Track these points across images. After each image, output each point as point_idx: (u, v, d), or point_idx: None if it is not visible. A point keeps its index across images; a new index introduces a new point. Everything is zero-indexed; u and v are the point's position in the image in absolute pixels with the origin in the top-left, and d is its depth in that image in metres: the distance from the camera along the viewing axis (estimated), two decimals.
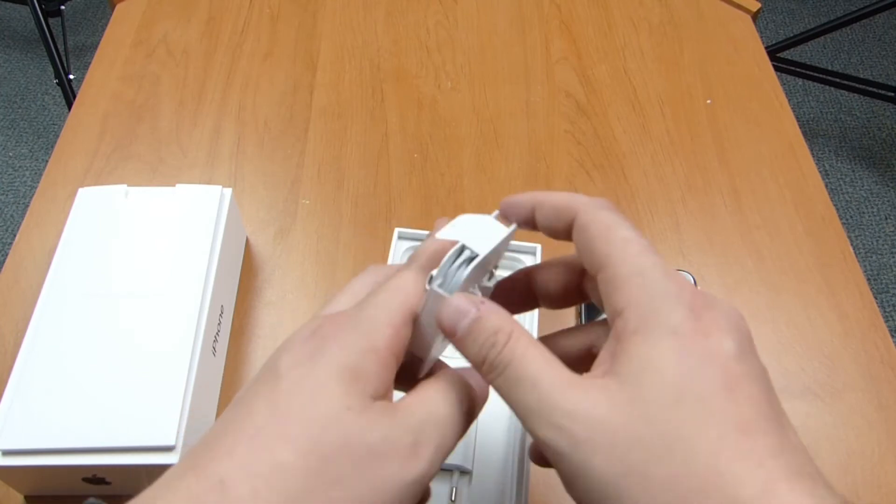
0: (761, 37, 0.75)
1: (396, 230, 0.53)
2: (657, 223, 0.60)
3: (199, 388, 0.43)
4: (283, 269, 0.57)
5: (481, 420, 0.46)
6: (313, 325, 0.27)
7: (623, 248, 0.26)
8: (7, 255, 0.57)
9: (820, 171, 0.70)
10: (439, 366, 0.32)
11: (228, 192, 0.52)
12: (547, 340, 0.32)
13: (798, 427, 0.24)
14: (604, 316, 0.28)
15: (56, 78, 1.47)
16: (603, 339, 0.29)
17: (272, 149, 0.64)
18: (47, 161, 0.63)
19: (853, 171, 1.70)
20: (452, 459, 0.43)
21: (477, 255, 0.29)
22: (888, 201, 1.64)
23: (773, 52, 1.62)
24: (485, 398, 0.29)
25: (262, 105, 0.68)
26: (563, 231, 0.29)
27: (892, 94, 1.55)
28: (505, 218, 0.31)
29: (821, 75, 1.63)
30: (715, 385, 0.23)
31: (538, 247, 0.52)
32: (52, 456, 0.39)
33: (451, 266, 0.29)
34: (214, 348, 0.47)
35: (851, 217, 1.60)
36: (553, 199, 0.29)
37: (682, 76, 0.71)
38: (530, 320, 0.49)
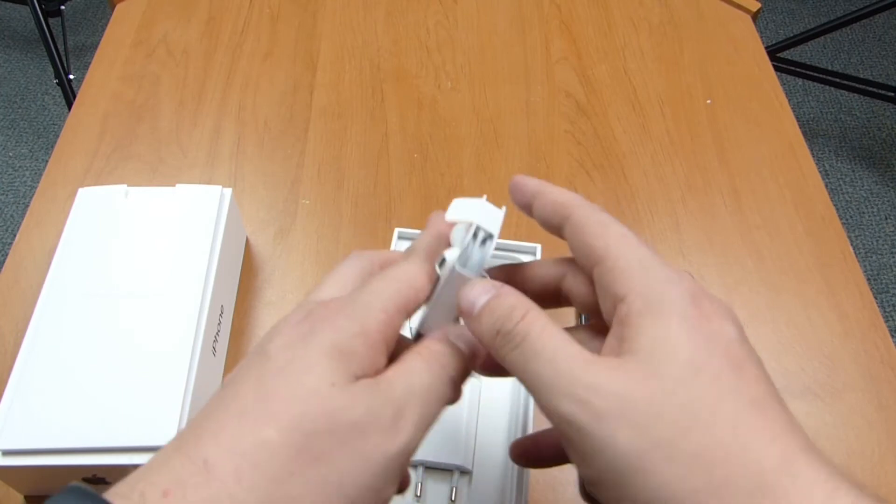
0: (761, 37, 0.75)
1: (396, 230, 0.53)
2: (657, 223, 0.60)
3: (199, 388, 0.43)
4: (283, 269, 0.57)
5: (481, 420, 0.46)
6: (304, 309, 0.28)
7: (620, 242, 0.27)
8: (7, 255, 0.57)
9: (820, 171, 0.70)
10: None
11: (228, 192, 0.52)
12: (514, 271, 0.33)
13: None
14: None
15: (56, 78, 1.47)
16: (570, 275, 0.30)
17: (272, 149, 0.64)
18: (47, 161, 0.63)
19: (853, 171, 1.70)
20: (452, 459, 0.43)
21: (492, 235, 0.29)
22: (888, 201, 1.64)
23: (773, 52, 1.62)
24: (473, 361, 0.29)
25: (262, 105, 0.68)
26: (555, 227, 0.30)
27: (892, 94, 1.55)
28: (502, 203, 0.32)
29: (821, 75, 1.63)
30: (725, 363, 0.24)
31: (538, 246, 0.52)
32: (52, 456, 0.39)
33: (472, 246, 0.29)
34: (214, 348, 0.47)
35: (851, 217, 1.60)
36: (553, 195, 0.30)
37: (682, 76, 0.71)
38: None
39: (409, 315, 0.28)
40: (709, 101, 0.69)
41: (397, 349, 0.28)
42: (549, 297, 0.32)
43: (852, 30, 1.96)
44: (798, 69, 1.63)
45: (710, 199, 0.62)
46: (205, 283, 0.46)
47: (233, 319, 0.53)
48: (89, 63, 0.71)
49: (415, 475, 0.43)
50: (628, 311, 0.26)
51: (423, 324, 0.30)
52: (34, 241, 0.57)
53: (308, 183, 0.62)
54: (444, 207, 0.30)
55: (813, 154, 0.64)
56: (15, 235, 0.58)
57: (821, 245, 0.58)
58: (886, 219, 1.60)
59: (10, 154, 1.68)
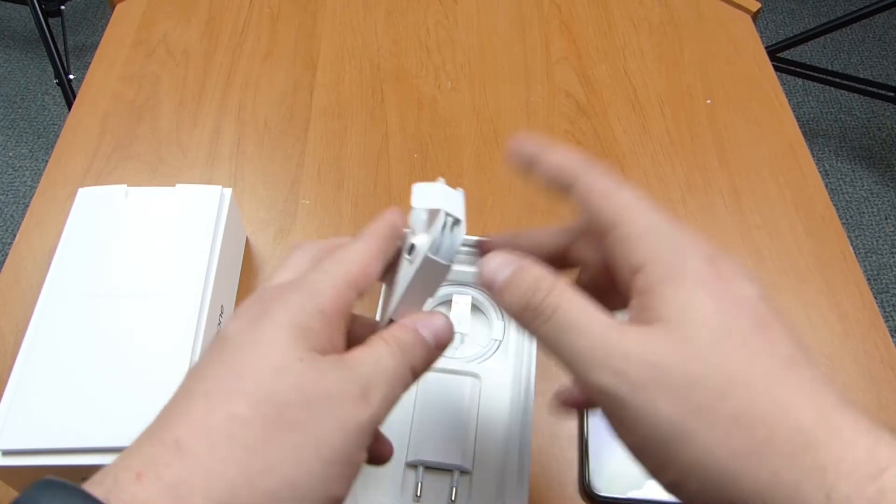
0: (761, 37, 0.75)
1: None
2: None
3: None
4: None
5: (481, 420, 0.46)
6: (257, 294, 0.28)
7: (633, 208, 0.27)
8: (7, 255, 0.57)
9: (820, 171, 0.70)
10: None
11: (228, 192, 0.52)
12: (519, 238, 0.33)
13: None
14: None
15: (56, 78, 1.47)
16: (581, 242, 0.31)
17: (272, 149, 0.64)
18: (47, 161, 0.63)
19: (853, 171, 1.70)
20: (452, 459, 0.43)
21: (459, 220, 0.29)
22: (888, 201, 1.64)
23: (773, 52, 1.62)
24: (438, 350, 0.30)
25: (262, 105, 0.68)
26: (560, 190, 0.30)
27: (892, 94, 1.55)
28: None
29: (821, 75, 1.63)
30: (751, 324, 0.24)
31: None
32: (52, 456, 0.39)
33: (442, 233, 0.29)
34: None
35: (851, 217, 1.60)
36: (556, 158, 0.30)
37: (682, 76, 0.71)
38: None
39: (360, 293, 0.29)
40: (709, 101, 0.69)
41: (366, 333, 0.29)
42: (553, 265, 0.32)
43: (852, 30, 1.96)
44: (798, 69, 1.63)
45: (710, 199, 0.62)
46: (205, 283, 0.46)
47: None
48: (89, 63, 0.71)
49: (415, 475, 0.43)
50: (648, 280, 0.26)
51: (395, 310, 0.31)
52: (34, 241, 0.57)
53: (308, 183, 0.62)
54: None
55: (813, 154, 0.65)
56: (15, 235, 0.58)
57: (821, 245, 0.58)
58: (886, 219, 1.60)
59: (10, 154, 1.68)
